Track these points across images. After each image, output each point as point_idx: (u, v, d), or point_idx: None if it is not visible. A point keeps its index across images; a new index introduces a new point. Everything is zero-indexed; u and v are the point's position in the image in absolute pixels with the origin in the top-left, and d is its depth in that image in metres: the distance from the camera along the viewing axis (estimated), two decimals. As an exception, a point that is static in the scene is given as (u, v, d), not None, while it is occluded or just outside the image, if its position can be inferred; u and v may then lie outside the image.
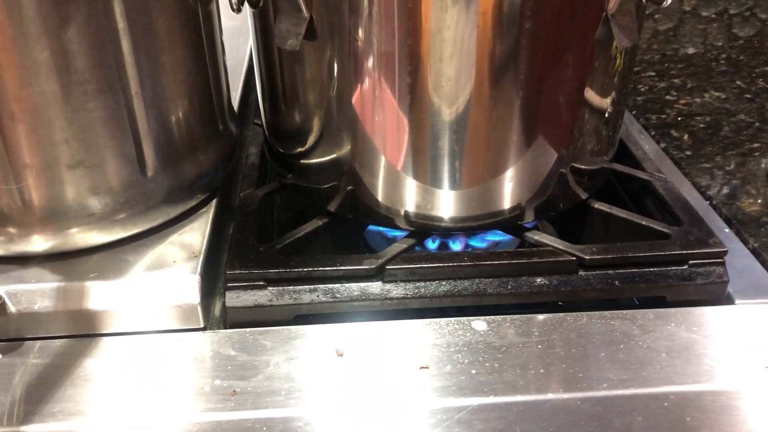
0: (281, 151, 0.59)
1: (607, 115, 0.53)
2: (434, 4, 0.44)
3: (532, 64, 0.47)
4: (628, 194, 0.62)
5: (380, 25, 0.46)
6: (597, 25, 0.47)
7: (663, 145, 0.71)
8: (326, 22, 0.47)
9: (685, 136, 0.72)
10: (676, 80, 0.86)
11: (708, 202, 0.62)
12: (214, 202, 0.55)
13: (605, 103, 0.52)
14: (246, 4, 0.52)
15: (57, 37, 0.42)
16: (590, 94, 0.51)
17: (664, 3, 0.51)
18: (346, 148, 0.53)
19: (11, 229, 0.47)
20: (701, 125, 0.74)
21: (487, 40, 0.46)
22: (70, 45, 0.42)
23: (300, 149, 0.56)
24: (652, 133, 0.73)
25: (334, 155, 0.53)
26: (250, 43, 0.84)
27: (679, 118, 0.76)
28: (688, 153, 0.69)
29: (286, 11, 0.47)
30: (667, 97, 0.81)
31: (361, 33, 0.47)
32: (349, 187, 0.54)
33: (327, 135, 0.53)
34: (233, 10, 0.50)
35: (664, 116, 0.77)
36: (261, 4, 0.51)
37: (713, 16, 1.08)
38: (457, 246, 0.58)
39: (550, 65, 0.48)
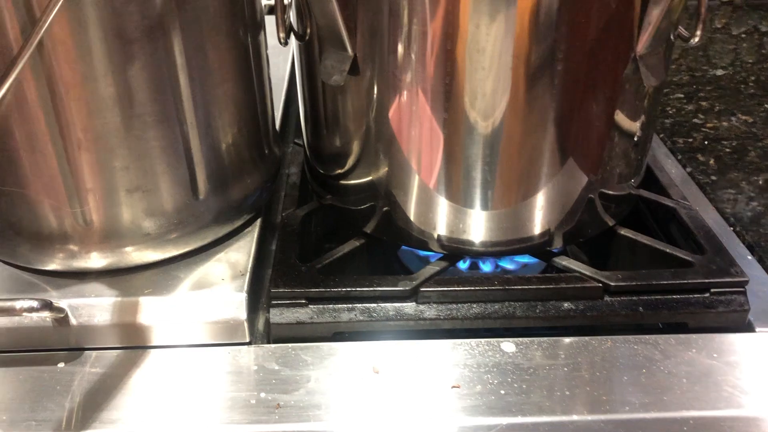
0: (321, 172, 0.62)
1: (636, 138, 0.55)
2: (470, 47, 0.46)
3: (563, 98, 0.49)
4: (655, 220, 0.64)
5: (419, 64, 0.49)
6: (626, 66, 0.49)
7: (689, 169, 0.73)
8: (368, 59, 0.50)
9: (711, 161, 0.74)
10: (704, 103, 0.87)
11: (732, 228, 0.64)
12: (258, 222, 0.58)
13: (635, 126, 0.54)
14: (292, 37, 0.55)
15: (122, 74, 0.45)
16: (620, 118, 0.52)
17: (692, 41, 0.53)
18: (383, 171, 0.55)
19: (73, 247, 0.50)
20: (727, 149, 0.76)
21: (520, 78, 0.48)
22: (133, 81, 0.46)
23: (339, 171, 0.59)
24: (679, 157, 0.75)
25: (372, 177, 0.56)
26: (289, 60, 0.87)
27: (706, 142, 0.78)
28: (713, 178, 0.71)
29: (332, 49, 0.50)
30: (695, 120, 0.83)
31: (400, 69, 0.49)
32: (385, 209, 0.57)
33: (366, 159, 0.56)
34: (281, 43, 0.53)
35: (690, 140, 0.78)
36: (307, 38, 0.54)
37: (743, 35, 1.09)
38: (487, 267, 0.61)
39: (581, 99, 0.50)
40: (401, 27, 0.48)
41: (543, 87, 0.49)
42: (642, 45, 0.48)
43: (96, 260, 0.51)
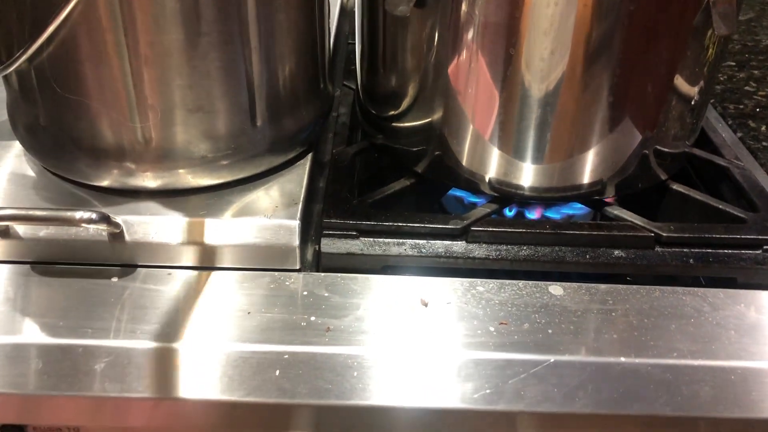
0: (374, 112, 0.62)
1: (693, 102, 0.55)
2: (543, -19, 0.46)
3: (627, 48, 0.49)
4: (702, 179, 0.63)
5: (486, -2, 0.48)
6: (696, 12, 0.48)
7: (740, 134, 0.72)
8: (435, -9, 0.50)
9: (763, 128, 0.73)
10: (756, 71, 0.86)
11: (784, 192, 0.63)
12: (309, 156, 0.58)
13: (693, 91, 0.54)
14: (356, -31, 0.55)
15: (191, -11, 0.45)
16: (680, 81, 0.52)
17: (763, -7, 0.52)
18: (438, 114, 0.55)
19: (130, 164, 0.51)
20: (780, 117, 0.75)
21: (585, 21, 0.48)
22: (201, -3, 0.46)
23: (393, 112, 0.59)
24: (729, 122, 0.74)
25: (426, 120, 0.56)
26: (338, 4, 0.87)
27: (758, 110, 0.77)
28: (765, 143, 0.70)
29: (400, -21, 0.50)
30: (746, 87, 0.82)
31: (466, 3, 0.49)
32: (437, 152, 0.57)
33: (421, 100, 0.56)
34: (345, -26, 0.53)
35: (742, 106, 0.77)
36: (371, -32, 0.54)
37: (797, 9, 1.07)
38: (533, 215, 0.61)
39: (645, 50, 0.49)
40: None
41: (609, 32, 0.48)
42: (716, -10, 0.47)
43: (151, 179, 0.51)
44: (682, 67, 0.51)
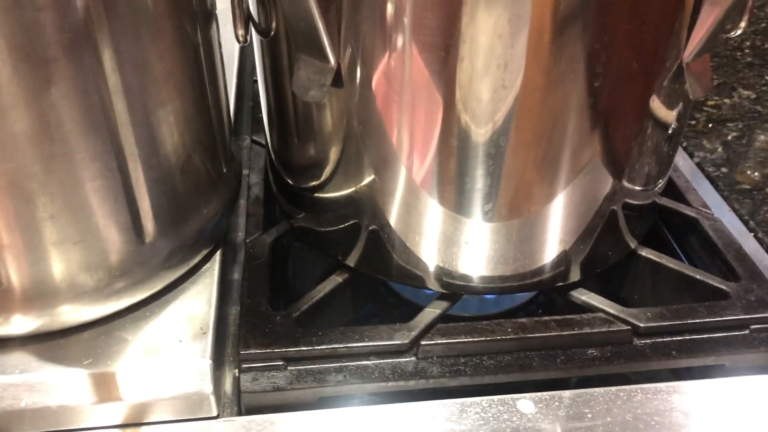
0: (291, 183, 0.52)
1: (670, 131, 0.46)
2: (487, 57, 0.37)
3: (592, 81, 0.40)
4: (672, 232, 0.57)
5: (416, 65, 0.39)
6: (668, 75, 0.41)
7: (696, 159, 0.66)
8: (354, 68, 0.40)
9: (719, 148, 0.67)
10: (701, 74, 0.80)
11: (753, 234, 0.57)
12: (218, 255, 0.48)
13: (671, 116, 0.45)
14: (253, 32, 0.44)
15: (35, 105, 0.34)
16: (656, 104, 0.43)
17: (735, 32, 0.45)
18: (367, 181, 0.46)
19: (-11, 311, 0.40)
20: (734, 133, 0.69)
21: (541, 57, 0.38)
22: (51, 112, 0.35)
23: (314, 183, 0.49)
24: (684, 144, 0.68)
25: (352, 189, 0.47)
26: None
27: (710, 125, 0.71)
28: (723, 170, 0.64)
29: (308, 58, 0.40)
30: (694, 96, 0.75)
31: (394, 70, 0.40)
32: (371, 227, 0.47)
33: (345, 168, 0.46)
34: (239, 41, 0.43)
35: (693, 122, 0.71)
36: (272, 34, 0.44)
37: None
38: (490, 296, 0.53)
39: (612, 82, 0.40)
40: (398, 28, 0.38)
41: (572, 64, 0.39)
42: (689, 52, 0.39)
43: (20, 324, 0.41)
44: (659, 89, 0.42)
